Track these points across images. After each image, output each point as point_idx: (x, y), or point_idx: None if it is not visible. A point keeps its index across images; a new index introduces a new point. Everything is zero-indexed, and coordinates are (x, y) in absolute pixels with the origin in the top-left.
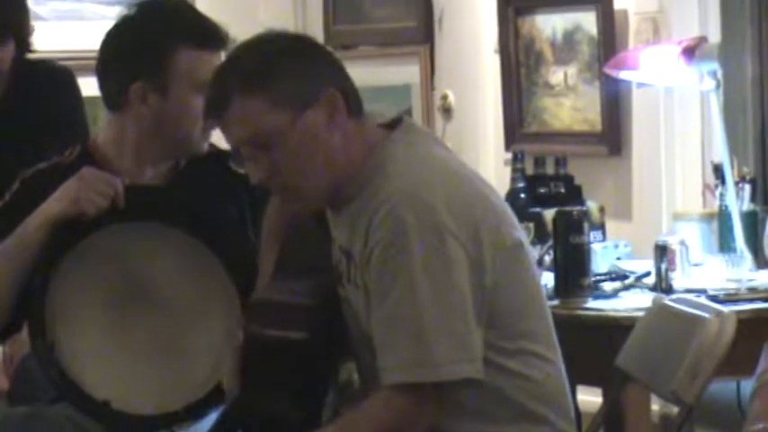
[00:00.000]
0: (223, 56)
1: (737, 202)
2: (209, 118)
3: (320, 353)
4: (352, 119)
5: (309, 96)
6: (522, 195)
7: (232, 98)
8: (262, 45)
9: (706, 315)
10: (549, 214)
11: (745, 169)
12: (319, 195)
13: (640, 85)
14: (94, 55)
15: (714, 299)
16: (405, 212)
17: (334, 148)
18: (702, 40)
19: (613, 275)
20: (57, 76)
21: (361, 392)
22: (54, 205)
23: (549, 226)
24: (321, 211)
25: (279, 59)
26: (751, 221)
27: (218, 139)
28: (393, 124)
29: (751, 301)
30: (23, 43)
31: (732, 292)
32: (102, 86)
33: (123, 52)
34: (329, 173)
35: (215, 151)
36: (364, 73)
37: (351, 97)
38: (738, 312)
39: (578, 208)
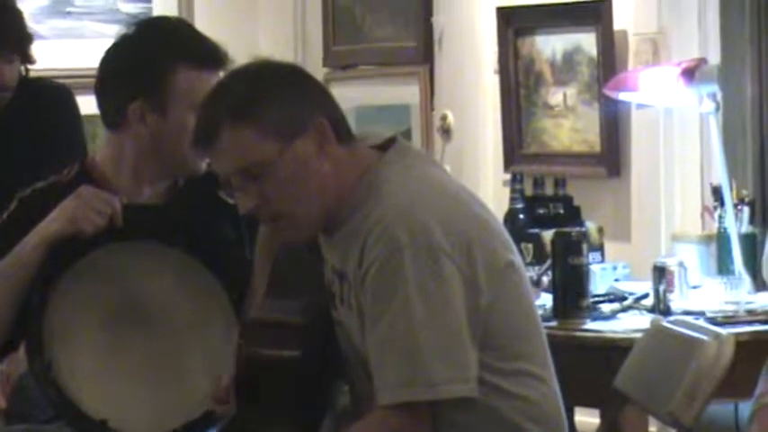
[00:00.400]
0: (222, 75)
1: (736, 225)
2: (197, 148)
3: (314, 371)
4: (342, 145)
5: (298, 126)
6: (521, 216)
7: (221, 128)
8: (249, 74)
9: (704, 337)
10: (547, 235)
11: (744, 192)
12: (310, 224)
13: (640, 106)
14: (93, 73)
15: (712, 321)
16: (399, 232)
17: (325, 176)
18: (702, 61)
19: (612, 297)
20: (55, 94)
21: (354, 414)
22: (52, 224)
23: (548, 247)
24: (312, 239)
25: (267, 89)
26: (750, 244)
27: None
28: (386, 145)
29: (749, 323)
30: (27, 58)
31: (730, 314)
32: (100, 105)
33: (122, 71)
34: (320, 201)
35: (213, 170)
36: (364, 93)
37: (339, 124)
38: (737, 335)
39: (577, 229)
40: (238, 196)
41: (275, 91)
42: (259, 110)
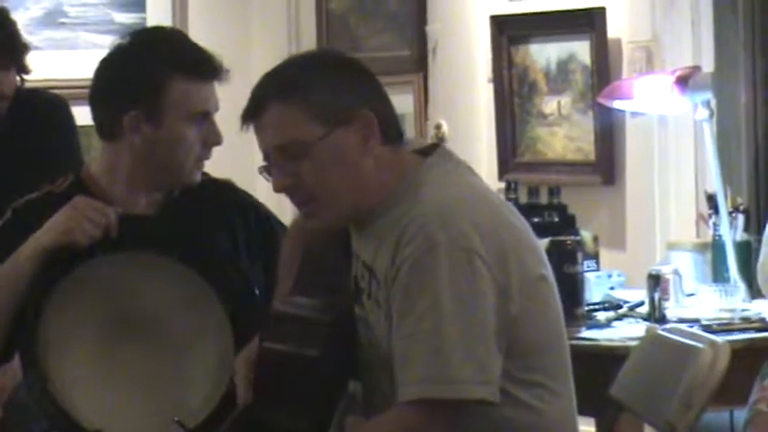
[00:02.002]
0: (216, 86)
1: (731, 232)
2: (245, 121)
3: (334, 370)
4: (388, 146)
5: (345, 114)
6: None
7: (269, 103)
8: (308, 58)
9: (699, 345)
10: (542, 244)
11: (739, 199)
12: (340, 212)
13: (634, 114)
14: (88, 84)
15: (707, 329)
16: (436, 231)
17: (363, 170)
18: (696, 69)
19: (607, 305)
20: (50, 105)
21: (364, 411)
22: (46, 235)
23: None
24: (341, 228)
25: (321, 74)
26: (744, 251)
27: (211, 168)
28: (428, 150)
29: (744, 330)
30: (22, 68)
31: (725, 322)
32: (95, 116)
33: (117, 81)
34: (353, 192)
35: (209, 180)
36: None
37: (389, 124)
38: (732, 342)
39: (572, 237)
40: (274, 173)
41: (329, 76)
42: (308, 91)
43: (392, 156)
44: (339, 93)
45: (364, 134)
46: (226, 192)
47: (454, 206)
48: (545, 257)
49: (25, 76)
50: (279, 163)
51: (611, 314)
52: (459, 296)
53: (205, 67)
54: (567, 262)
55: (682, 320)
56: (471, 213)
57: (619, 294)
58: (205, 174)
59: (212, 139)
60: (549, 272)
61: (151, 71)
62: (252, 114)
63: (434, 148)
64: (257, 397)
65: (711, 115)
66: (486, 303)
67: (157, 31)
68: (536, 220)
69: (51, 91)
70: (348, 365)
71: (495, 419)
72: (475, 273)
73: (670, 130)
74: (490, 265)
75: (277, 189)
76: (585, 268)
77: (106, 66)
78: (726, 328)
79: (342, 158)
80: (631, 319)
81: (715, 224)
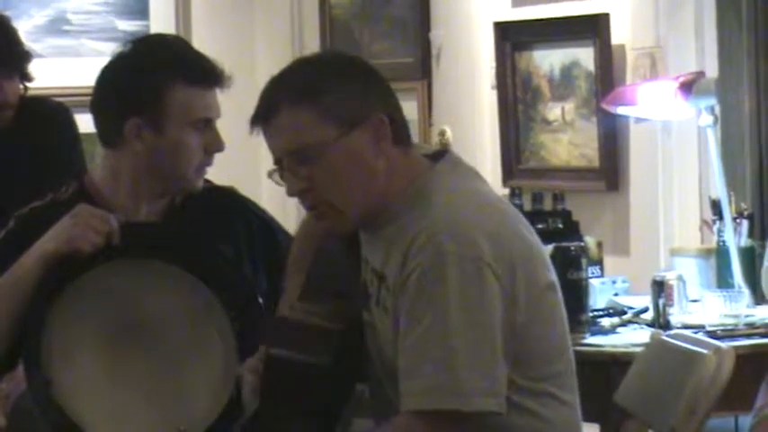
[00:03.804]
0: (220, 93)
1: (735, 238)
2: (255, 125)
3: (343, 378)
4: (399, 147)
5: (357, 117)
6: None
7: (281, 106)
8: (318, 61)
9: (704, 351)
10: (547, 250)
11: (743, 205)
12: (353, 216)
13: (638, 120)
14: (91, 91)
15: (712, 335)
16: (446, 241)
17: (376, 173)
18: (700, 75)
19: (611, 311)
20: (53, 112)
21: (375, 417)
22: (49, 243)
23: None
24: (351, 232)
25: (332, 76)
26: (749, 257)
27: (214, 175)
28: (437, 155)
29: (749, 336)
30: (25, 76)
31: (730, 327)
32: (97, 123)
33: (118, 89)
34: (366, 196)
35: (211, 188)
36: None
37: (399, 126)
38: (736, 348)
39: (576, 243)
40: (287, 178)
41: (340, 79)
42: (321, 94)
43: (403, 158)
44: (350, 95)
45: (377, 136)
46: (228, 199)
47: (464, 215)
48: (551, 265)
49: (29, 84)
50: (291, 167)
51: (615, 320)
52: (468, 307)
53: (207, 74)
54: (572, 268)
55: (686, 326)
56: (481, 222)
57: (623, 300)
58: (207, 181)
59: (214, 145)
60: (555, 279)
61: (153, 78)
62: (263, 118)
63: (443, 154)
64: (264, 404)
65: (715, 121)
66: (494, 314)
67: (159, 38)
68: (540, 226)
69: (55, 98)
70: (356, 372)
71: (502, 427)
72: (484, 283)
73: (674, 136)
74: (499, 274)
75: (291, 193)
76: (590, 274)
77: (108, 73)
78: (730, 333)
79: (355, 161)
80: (636, 326)
81: (719, 230)
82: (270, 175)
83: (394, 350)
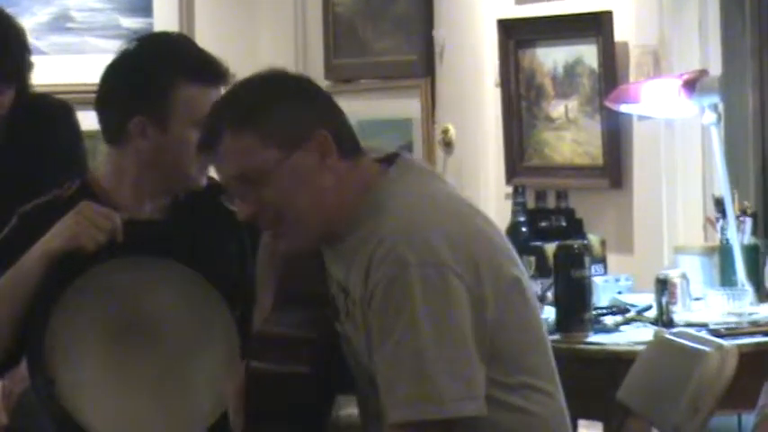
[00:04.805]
0: (223, 91)
1: (739, 236)
2: (201, 152)
3: (324, 386)
4: (346, 160)
5: (300, 137)
6: (524, 229)
7: (223, 133)
8: (257, 83)
9: (707, 349)
10: (550, 248)
11: (747, 203)
12: (308, 234)
13: (641, 118)
14: (94, 89)
15: (715, 333)
16: (405, 251)
17: (324, 189)
18: (703, 73)
19: (614, 309)
20: (55, 110)
21: (363, 427)
22: (53, 240)
23: (551, 260)
24: (312, 249)
25: (272, 98)
26: (752, 255)
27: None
28: (389, 159)
29: (752, 335)
30: (24, 86)
31: (733, 325)
32: (101, 121)
33: (123, 86)
34: (318, 212)
35: (214, 184)
36: (365, 106)
37: (345, 138)
38: (740, 346)
39: (579, 242)
40: (237, 202)
41: (280, 100)
42: (262, 117)
43: (352, 170)
44: (292, 116)
45: (321, 153)
46: None
47: (421, 222)
48: (516, 256)
49: (32, 82)
50: (240, 191)
51: (618, 318)
52: (436, 314)
53: (211, 72)
54: (575, 266)
55: (689, 324)
56: (438, 226)
57: (626, 298)
58: (211, 178)
59: None
60: (522, 272)
61: (157, 76)
62: (207, 146)
63: (395, 158)
64: (249, 419)
65: (719, 119)
66: (463, 317)
67: (163, 36)
68: (544, 224)
69: (58, 96)
70: (337, 379)
71: (485, 426)
72: (448, 288)
73: (677, 134)
74: (462, 275)
75: (242, 217)
76: (593, 272)
77: (112, 71)
78: (734, 332)
79: (302, 180)
80: (639, 324)
81: (723, 228)
82: (224, 200)
83: (369, 360)
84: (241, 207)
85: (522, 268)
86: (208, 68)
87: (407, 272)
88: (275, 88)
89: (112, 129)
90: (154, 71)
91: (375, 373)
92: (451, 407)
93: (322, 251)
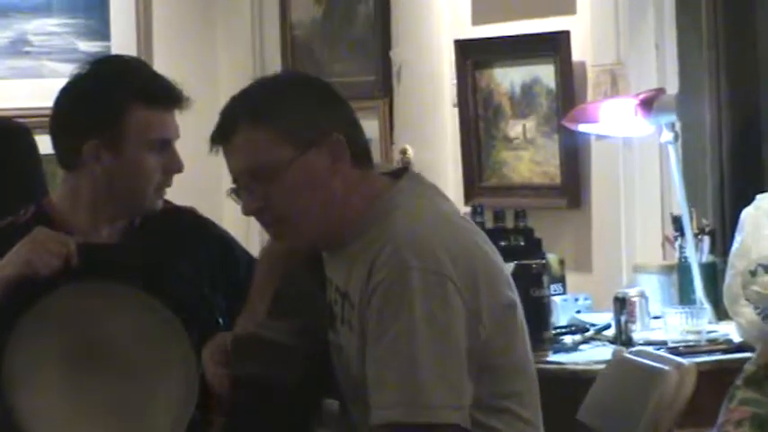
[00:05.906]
0: (182, 113)
1: (697, 254)
2: (214, 143)
3: (311, 393)
4: (357, 169)
5: (314, 137)
6: None
7: (239, 126)
8: (277, 81)
9: (666, 367)
10: (508, 268)
11: (705, 221)
12: (309, 235)
13: (599, 137)
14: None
15: (674, 351)
16: (408, 256)
17: (332, 193)
18: (660, 91)
19: (573, 328)
20: (13, 134)
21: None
22: (6, 267)
23: None
24: (310, 250)
25: (290, 96)
26: (710, 273)
27: (175, 195)
28: (397, 173)
29: (711, 352)
30: None
31: (692, 344)
32: (55, 145)
33: (76, 110)
34: (323, 215)
35: (171, 208)
36: None
37: (358, 147)
38: (698, 364)
39: (538, 261)
40: (243, 196)
41: (298, 99)
42: (278, 114)
43: (362, 179)
44: (309, 115)
45: (334, 157)
46: (188, 219)
47: (426, 232)
48: (513, 283)
49: None
50: (248, 186)
51: (577, 337)
52: (433, 320)
53: (165, 95)
54: (534, 286)
55: (648, 343)
56: (443, 239)
57: (585, 317)
58: (167, 201)
59: (173, 166)
60: (517, 298)
61: (110, 99)
62: (222, 137)
63: (404, 172)
64: (234, 421)
65: (676, 137)
66: (458, 328)
67: (116, 59)
68: (502, 243)
69: (15, 119)
70: (324, 387)
71: None
72: (447, 297)
73: (635, 153)
74: (462, 290)
75: (246, 212)
76: (552, 292)
77: (65, 94)
78: (692, 350)
79: (311, 181)
80: (598, 343)
81: (681, 246)
82: (229, 193)
83: (360, 369)
84: (246, 202)
85: (516, 294)
86: (162, 92)
87: (409, 275)
88: (295, 87)
89: (67, 153)
90: (107, 94)
91: (363, 382)
92: (438, 413)
93: (323, 259)
